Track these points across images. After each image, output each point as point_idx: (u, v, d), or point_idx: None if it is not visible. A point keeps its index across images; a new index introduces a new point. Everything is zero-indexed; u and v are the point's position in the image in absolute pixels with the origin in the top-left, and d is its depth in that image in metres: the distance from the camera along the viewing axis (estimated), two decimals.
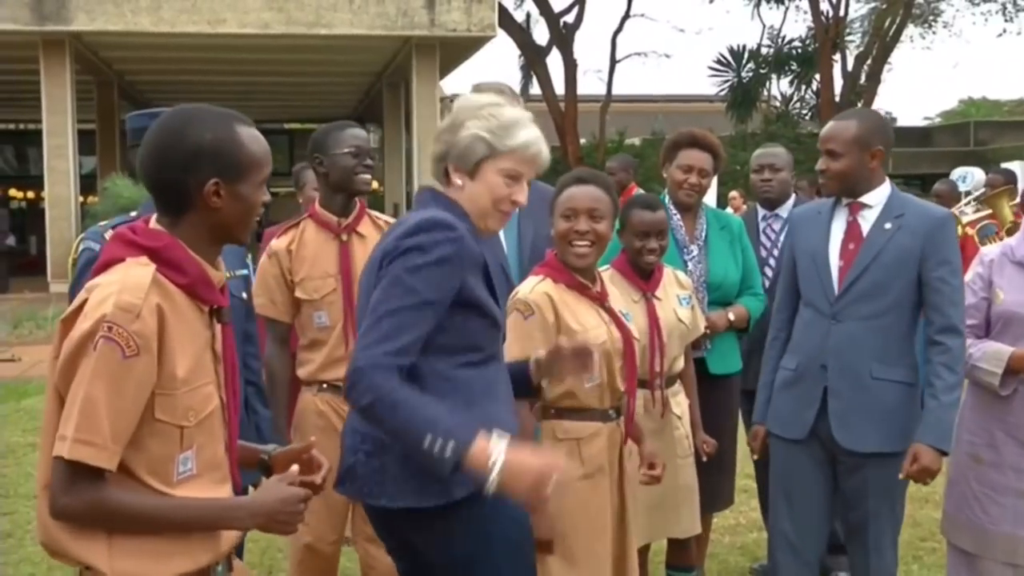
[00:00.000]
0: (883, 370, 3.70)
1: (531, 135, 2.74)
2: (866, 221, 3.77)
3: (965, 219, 8.41)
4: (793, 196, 5.24)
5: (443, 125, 2.80)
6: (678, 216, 4.58)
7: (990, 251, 3.93)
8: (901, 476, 3.63)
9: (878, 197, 3.78)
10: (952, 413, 3.65)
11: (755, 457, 4.12)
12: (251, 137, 2.24)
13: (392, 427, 2.51)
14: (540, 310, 3.33)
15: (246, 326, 3.68)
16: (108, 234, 3.38)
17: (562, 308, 3.36)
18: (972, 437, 3.81)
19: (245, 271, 3.73)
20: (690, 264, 4.50)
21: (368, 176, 4.05)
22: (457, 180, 2.75)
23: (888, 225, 3.72)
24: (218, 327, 2.27)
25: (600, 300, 3.46)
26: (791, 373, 3.87)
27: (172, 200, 2.19)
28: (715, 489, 4.50)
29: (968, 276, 3.88)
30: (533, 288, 3.39)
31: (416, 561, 2.81)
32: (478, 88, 4.02)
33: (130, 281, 2.08)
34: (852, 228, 3.78)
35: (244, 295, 3.68)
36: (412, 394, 2.51)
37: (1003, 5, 28.75)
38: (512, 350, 3.17)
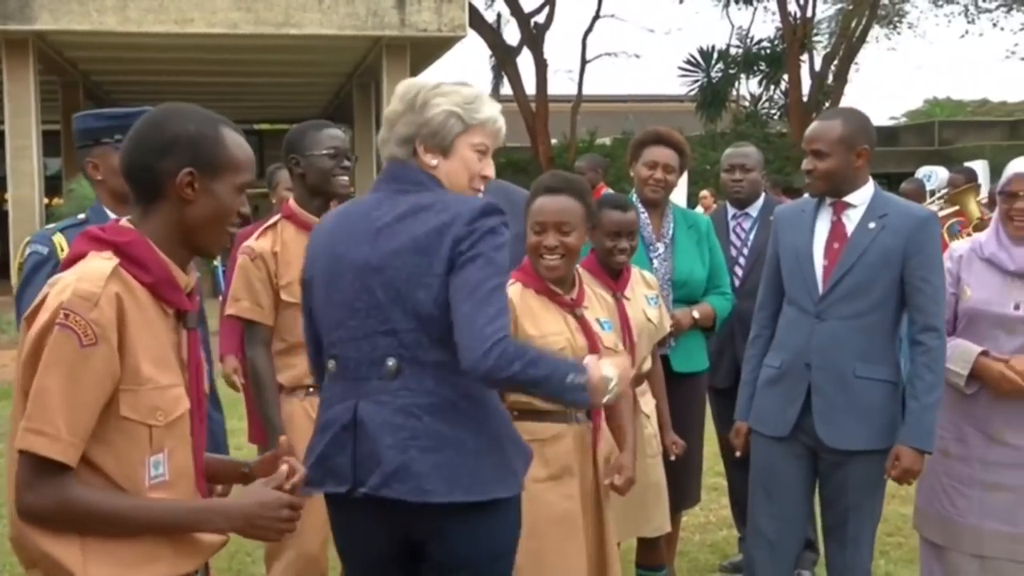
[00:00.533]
0: (866, 369, 3.73)
1: (494, 108, 2.81)
2: (850, 221, 3.79)
3: None
4: (763, 195, 5.27)
5: (399, 108, 2.79)
6: (645, 214, 4.61)
7: (959, 247, 3.99)
8: (885, 476, 3.68)
9: (862, 197, 3.80)
10: (933, 413, 3.68)
11: (738, 454, 4.11)
12: (235, 140, 2.22)
13: (542, 378, 2.57)
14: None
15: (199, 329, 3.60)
16: (56, 237, 3.36)
17: (522, 314, 3.38)
18: (941, 432, 3.84)
19: (197, 273, 3.61)
20: (655, 262, 4.52)
21: (346, 178, 3.99)
22: (431, 160, 2.75)
23: (872, 225, 3.75)
24: (184, 333, 2.23)
25: (571, 307, 3.47)
26: (775, 371, 3.89)
27: (145, 185, 2.16)
28: (682, 488, 4.52)
29: None
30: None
31: (424, 564, 2.77)
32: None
33: (89, 271, 2.05)
34: (836, 228, 3.81)
35: (196, 298, 3.58)
36: (533, 348, 2.71)
37: (965, 7, 29.07)
38: None
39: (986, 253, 3.84)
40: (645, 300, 4.14)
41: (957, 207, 8.08)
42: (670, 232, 4.65)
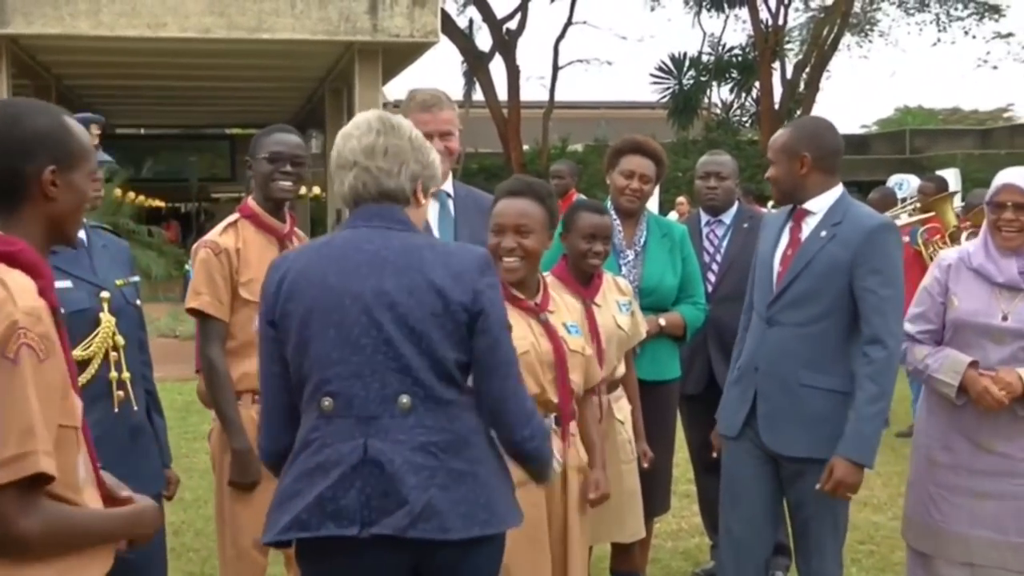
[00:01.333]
0: (811, 377, 3.73)
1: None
2: (807, 228, 3.81)
3: (898, 223, 8.54)
4: (736, 203, 5.30)
5: (402, 144, 2.73)
6: (618, 222, 4.62)
7: (948, 256, 3.98)
8: (817, 487, 3.65)
9: (821, 204, 3.80)
10: (874, 426, 3.64)
11: (714, 454, 4.17)
12: (79, 128, 2.20)
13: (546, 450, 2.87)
14: None
15: (139, 334, 3.59)
16: None
17: None
18: (928, 440, 3.89)
19: (136, 277, 3.63)
20: (624, 269, 4.55)
21: (286, 183, 3.95)
22: (423, 201, 2.78)
23: (824, 233, 3.75)
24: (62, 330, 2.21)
25: (535, 312, 3.48)
26: (735, 373, 3.97)
27: (8, 191, 2.10)
28: (651, 496, 4.53)
29: (926, 281, 3.95)
30: None
31: None
32: (414, 93, 4.03)
33: (17, 285, 1.99)
34: (793, 234, 3.84)
35: (137, 302, 3.57)
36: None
37: (937, 16, 29.28)
38: None
39: (974, 264, 3.83)
40: (617, 306, 4.13)
41: (932, 213, 8.13)
42: (642, 240, 4.66)
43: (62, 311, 3.08)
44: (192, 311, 3.95)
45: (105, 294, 3.36)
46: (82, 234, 3.38)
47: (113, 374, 3.36)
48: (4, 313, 1.93)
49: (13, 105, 2.16)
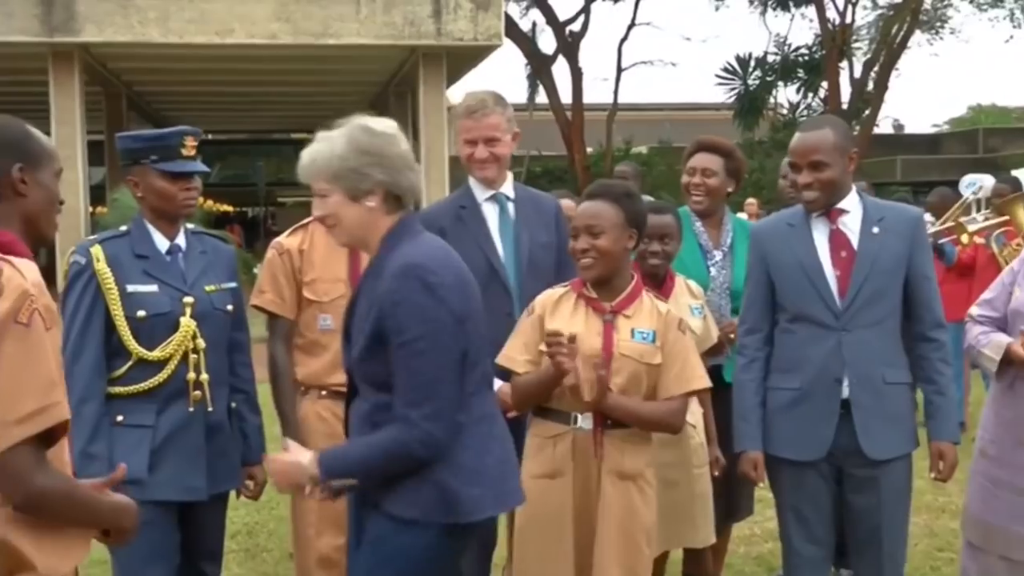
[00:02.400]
0: (893, 374, 3.74)
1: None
2: (849, 228, 3.77)
3: (973, 227, 8.36)
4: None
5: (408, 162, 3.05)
6: (700, 223, 4.57)
7: None
8: (933, 476, 3.70)
9: (852, 201, 3.79)
10: (955, 407, 3.77)
11: (759, 485, 4.04)
12: (39, 133, 2.42)
13: None
14: (536, 309, 3.56)
15: (234, 336, 3.77)
16: (94, 248, 3.55)
17: (551, 311, 3.52)
18: (983, 432, 3.85)
19: (234, 283, 3.79)
20: (713, 270, 4.49)
21: None
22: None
23: (875, 229, 3.74)
24: None
25: (601, 311, 3.50)
26: (795, 392, 3.78)
27: None
28: (734, 499, 4.50)
29: (1004, 271, 3.96)
30: (551, 291, 3.61)
31: None
32: (464, 97, 4.13)
33: (22, 264, 2.16)
34: (837, 236, 3.76)
35: (230, 307, 3.72)
36: None
37: (1010, 11, 28.73)
38: (509, 343, 3.57)
39: None
40: (689, 310, 4.10)
41: (1006, 216, 7.91)
42: (729, 240, 4.60)
43: (144, 313, 3.39)
44: (256, 308, 4.10)
45: (189, 299, 3.56)
46: (180, 239, 3.64)
47: (191, 375, 3.54)
48: (14, 284, 2.10)
49: None
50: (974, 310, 3.89)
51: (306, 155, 2.94)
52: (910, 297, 3.75)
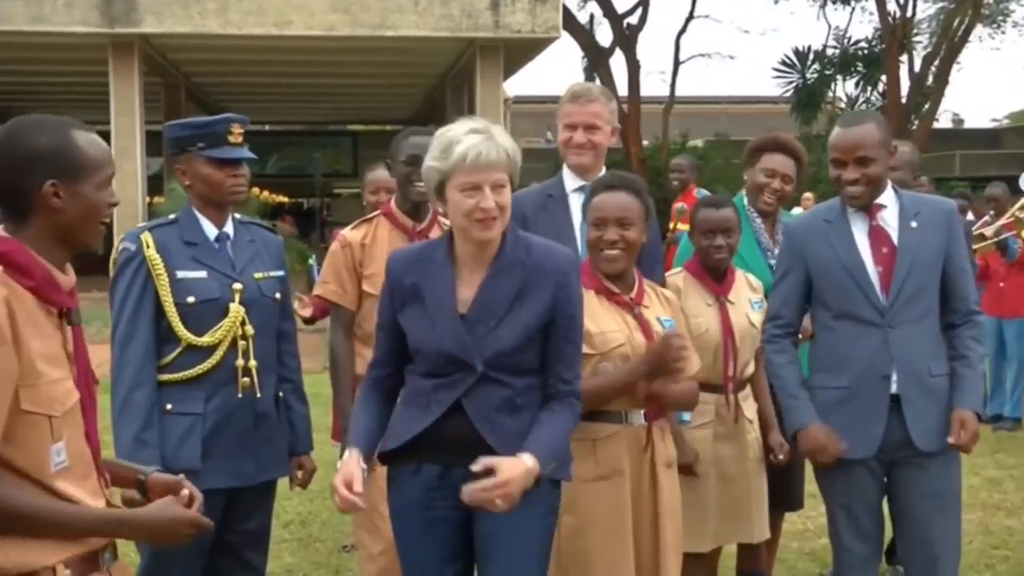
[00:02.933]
0: (938, 366, 3.73)
1: (465, 146, 2.97)
2: (887, 223, 3.75)
3: None
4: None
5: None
6: (760, 220, 4.55)
7: None
8: (951, 441, 3.62)
9: (889, 196, 3.78)
10: (981, 380, 3.84)
11: (821, 463, 3.89)
12: (88, 141, 2.34)
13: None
14: None
15: (281, 325, 3.79)
16: (144, 235, 3.57)
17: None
18: None
19: (281, 272, 3.81)
20: (774, 264, 4.46)
21: (423, 186, 4.06)
22: (440, 208, 3.16)
23: (914, 224, 3.73)
24: (69, 329, 2.34)
25: (629, 306, 3.50)
26: (843, 391, 3.74)
27: (13, 204, 2.29)
28: (787, 491, 4.48)
29: None
30: None
31: None
32: (577, 84, 4.26)
33: None
34: (877, 232, 3.74)
35: (278, 295, 3.74)
36: (363, 397, 3.26)
37: None
38: None
39: None
40: (749, 304, 4.12)
41: None
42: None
43: (193, 299, 3.38)
44: (318, 298, 4.23)
45: (238, 286, 3.57)
46: (229, 227, 3.66)
47: (240, 362, 3.56)
48: None
49: (19, 124, 2.32)
50: None
51: (495, 147, 2.98)
52: (946, 289, 3.75)
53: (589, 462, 3.38)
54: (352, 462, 2.98)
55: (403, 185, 4.13)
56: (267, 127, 34.60)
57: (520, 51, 19.14)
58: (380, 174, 5.65)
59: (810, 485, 5.94)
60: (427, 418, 3.03)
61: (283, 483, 3.88)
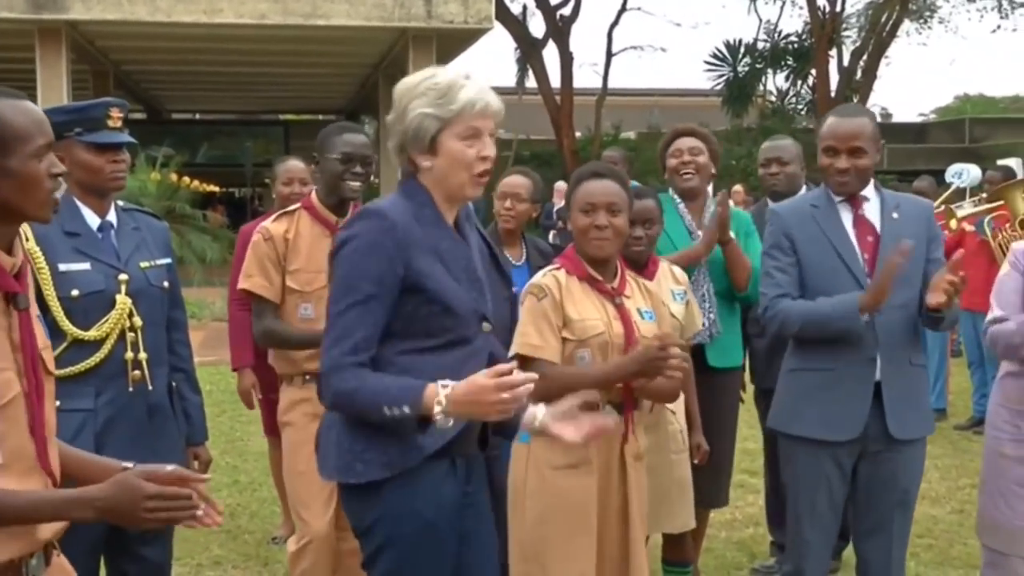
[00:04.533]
0: (916, 356, 3.81)
1: (471, 92, 2.75)
2: (870, 214, 3.82)
3: (961, 212, 8.40)
4: (804, 188, 5.17)
5: (391, 118, 2.85)
6: (683, 205, 4.68)
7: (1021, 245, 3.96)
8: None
9: (871, 190, 3.86)
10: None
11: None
12: (14, 110, 2.14)
13: (358, 413, 2.71)
14: (551, 292, 3.41)
15: (171, 314, 3.66)
16: (22, 227, 3.40)
17: (566, 295, 3.43)
18: (997, 432, 3.86)
19: (168, 259, 3.68)
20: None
21: (356, 184, 4.13)
22: (425, 163, 2.80)
23: (895, 215, 3.80)
24: (15, 315, 2.18)
25: (611, 295, 3.48)
26: (828, 373, 3.76)
27: None
28: (710, 489, 4.52)
29: (1002, 274, 3.93)
30: (546, 274, 3.50)
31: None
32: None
33: None
34: (861, 221, 3.81)
35: (166, 283, 3.61)
36: (363, 376, 2.68)
37: (998, 2, 28.72)
38: (526, 331, 3.38)
39: None
40: (671, 295, 4.11)
41: (1001, 202, 7.93)
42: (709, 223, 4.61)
43: (77, 292, 3.28)
44: (244, 291, 4.13)
45: (123, 276, 3.43)
46: (112, 216, 3.51)
47: (129, 354, 3.43)
48: None
49: None
50: (990, 317, 3.87)
51: (495, 96, 2.80)
52: (926, 283, 3.70)
53: (556, 449, 3.30)
54: (450, 386, 2.61)
55: (334, 181, 4.10)
56: (198, 116, 34.24)
57: (453, 41, 19.10)
58: (293, 165, 5.61)
59: (740, 476, 6.04)
60: None
61: (216, 477, 3.82)
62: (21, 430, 2.15)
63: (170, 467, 2.23)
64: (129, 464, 2.32)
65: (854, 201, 3.82)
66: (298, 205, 4.23)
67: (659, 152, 4.83)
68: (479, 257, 2.91)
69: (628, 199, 3.53)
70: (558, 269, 3.50)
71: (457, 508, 2.82)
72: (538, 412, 2.90)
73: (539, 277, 3.51)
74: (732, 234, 4.58)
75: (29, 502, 2.09)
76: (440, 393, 2.59)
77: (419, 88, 2.79)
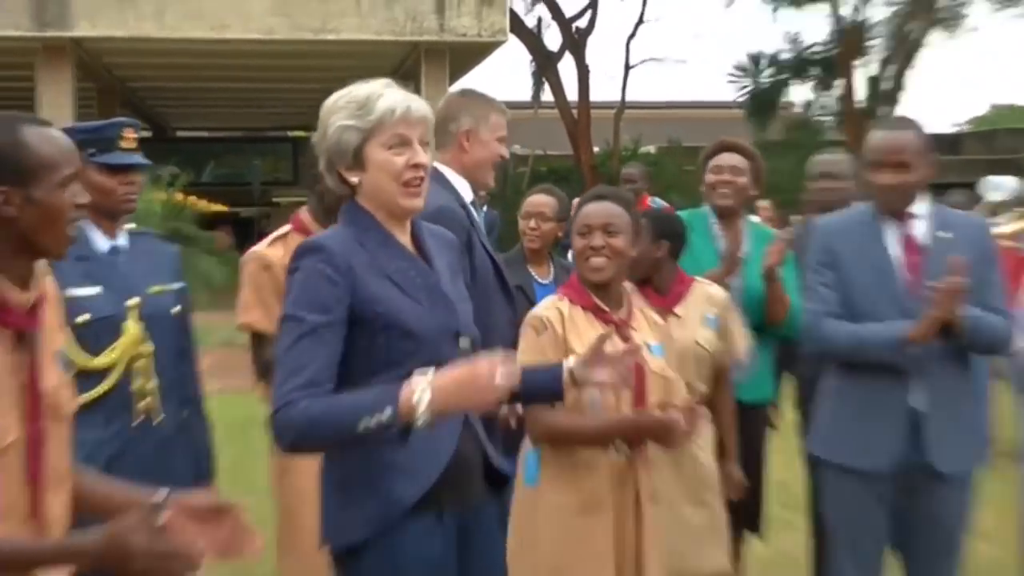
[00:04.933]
0: (966, 380, 3.70)
1: (390, 99, 2.69)
2: (919, 232, 3.71)
3: (1000, 230, 7.97)
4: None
5: (315, 138, 2.80)
6: (718, 225, 4.54)
7: None
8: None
9: (922, 206, 3.73)
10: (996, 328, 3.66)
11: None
12: (41, 137, 2.11)
13: (329, 439, 2.52)
14: (552, 326, 3.32)
15: (180, 342, 3.62)
16: None
17: (569, 327, 3.33)
18: None
19: (180, 283, 3.65)
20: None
21: None
22: (353, 178, 2.73)
23: (946, 233, 3.68)
24: (25, 354, 2.11)
25: (618, 325, 3.33)
26: (863, 399, 3.69)
27: None
28: (744, 511, 4.30)
29: None
30: (548, 305, 3.42)
31: None
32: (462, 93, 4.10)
33: None
34: (909, 239, 3.70)
35: (175, 309, 3.59)
36: (324, 400, 2.50)
37: None
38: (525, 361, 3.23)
39: None
40: (702, 320, 3.95)
41: None
42: (747, 247, 4.46)
43: (87, 317, 3.27)
44: (245, 326, 4.03)
45: (132, 302, 3.40)
46: (122, 240, 3.51)
47: (138, 383, 3.40)
48: None
49: None
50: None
51: (419, 101, 2.75)
52: (975, 298, 3.59)
53: (566, 491, 3.28)
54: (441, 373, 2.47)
55: (335, 199, 3.81)
56: (206, 133, 34.20)
57: (466, 55, 19.07)
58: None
59: (777, 510, 5.60)
60: (447, 436, 2.63)
61: None
62: (15, 481, 2.07)
63: (206, 495, 2.20)
64: (160, 493, 2.15)
65: (901, 217, 3.69)
66: (289, 228, 4.05)
67: (700, 161, 4.72)
68: (451, 273, 2.83)
69: (631, 220, 3.42)
70: (561, 299, 3.42)
71: (449, 571, 2.69)
72: (565, 362, 2.87)
73: (541, 308, 3.43)
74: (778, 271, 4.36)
75: (13, 549, 1.98)
76: (421, 381, 2.43)
77: (338, 103, 2.74)
